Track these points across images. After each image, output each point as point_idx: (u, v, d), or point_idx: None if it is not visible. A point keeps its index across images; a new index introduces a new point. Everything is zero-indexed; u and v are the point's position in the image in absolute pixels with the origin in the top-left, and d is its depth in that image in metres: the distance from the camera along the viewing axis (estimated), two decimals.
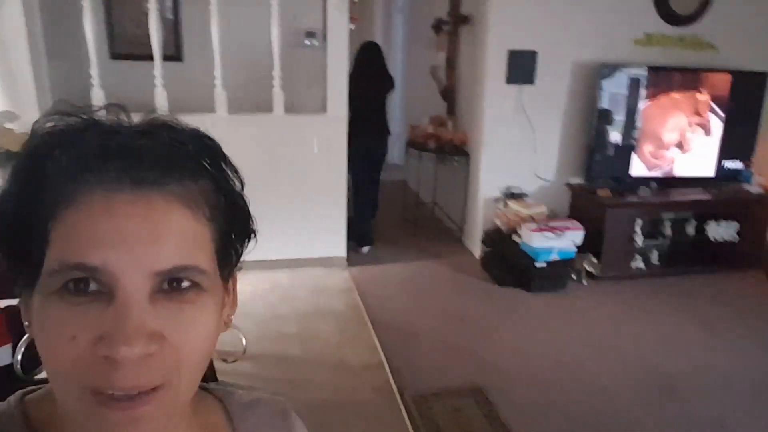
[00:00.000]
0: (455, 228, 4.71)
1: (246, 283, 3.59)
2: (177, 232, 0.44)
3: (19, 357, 0.52)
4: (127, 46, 4.19)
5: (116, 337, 0.41)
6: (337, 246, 3.96)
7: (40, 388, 0.53)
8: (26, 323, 0.47)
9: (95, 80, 3.44)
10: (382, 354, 2.87)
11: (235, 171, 0.52)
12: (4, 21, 3.27)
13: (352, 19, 4.25)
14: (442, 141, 4.45)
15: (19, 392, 0.52)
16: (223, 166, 0.50)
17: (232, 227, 0.51)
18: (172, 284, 0.44)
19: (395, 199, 5.74)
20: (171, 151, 0.46)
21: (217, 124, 3.58)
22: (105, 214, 0.42)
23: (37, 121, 0.46)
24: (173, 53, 4.19)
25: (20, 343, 0.49)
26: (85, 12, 3.30)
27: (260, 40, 3.75)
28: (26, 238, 0.44)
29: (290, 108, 3.76)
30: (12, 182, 0.45)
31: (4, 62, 3.31)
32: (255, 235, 0.55)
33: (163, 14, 3.94)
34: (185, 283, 0.45)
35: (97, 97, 3.43)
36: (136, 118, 0.49)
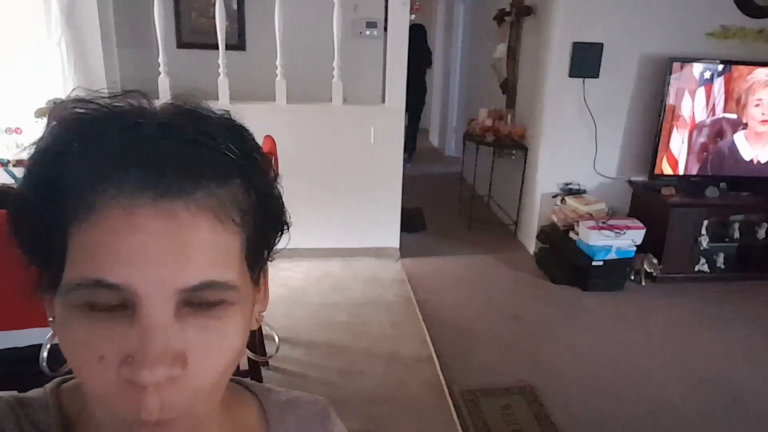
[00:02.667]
0: (510, 223, 4.64)
1: (299, 271, 3.65)
2: (204, 247, 0.42)
3: (45, 354, 0.51)
4: (193, 36, 4.31)
5: (140, 361, 0.39)
6: (391, 237, 3.97)
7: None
8: (50, 318, 0.46)
9: (162, 68, 3.54)
10: (432, 348, 2.87)
11: (269, 161, 0.49)
12: (79, 9, 3.41)
13: (413, 9, 4.23)
14: (499, 134, 4.38)
15: (57, 380, 0.52)
16: (255, 156, 0.47)
17: (265, 224, 0.48)
18: (198, 299, 0.42)
19: (450, 191, 5.70)
20: (197, 153, 0.42)
21: (277, 113, 3.64)
22: (126, 230, 0.40)
23: (53, 109, 0.44)
24: (236, 42, 4.28)
25: (46, 339, 0.49)
26: (155, 2, 3.40)
27: (321, 30, 3.78)
28: (45, 243, 0.42)
29: (349, 98, 3.78)
30: (29, 181, 0.43)
31: (79, 49, 3.46)
32: (288, 227, 0.52)
33: (228, 4, 4.01)
34: (212, 299, 0.43)
35: (164, 85, 3.54)
36: (158, 104, 0.46)
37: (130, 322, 0.40)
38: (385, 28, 3.71)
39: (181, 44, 4.33)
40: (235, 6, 4.26)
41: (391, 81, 3.70)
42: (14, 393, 0.51)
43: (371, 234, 3.95)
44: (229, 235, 0.44)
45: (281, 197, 0.51)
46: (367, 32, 4.27)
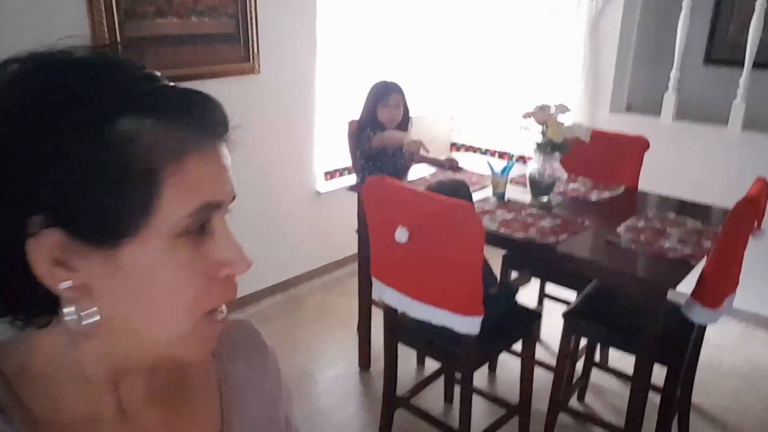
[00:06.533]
0: None
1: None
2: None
3: None
4: (725, 52, 3.82)
5: (239, 258, 0.51)
6: None
7: (6, 342, 0.52)
8: (69, 282, 0.46)
9: (672, 84, 3.30)
10: None
11: None
12: (603, 24, 3.47)
13: None
14: None
15: None
16: None
17: None
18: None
19: None
20: (222, 109, 0.53)
21: None
22: (216, 161, 0.51)
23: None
24: None
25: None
26: (683, 14, 3.15)
27: None
28: (134, 186, 0.45)
29: None
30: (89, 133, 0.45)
31: (593, 62, 3.54)
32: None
33: None
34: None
35: (668, 102, 3.29)
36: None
37: (209, 236, 0.51)
38: None
39: (710, 60, 3.90)
40: None
41: None
42: None
43: None
44: None
45: None
46: None
